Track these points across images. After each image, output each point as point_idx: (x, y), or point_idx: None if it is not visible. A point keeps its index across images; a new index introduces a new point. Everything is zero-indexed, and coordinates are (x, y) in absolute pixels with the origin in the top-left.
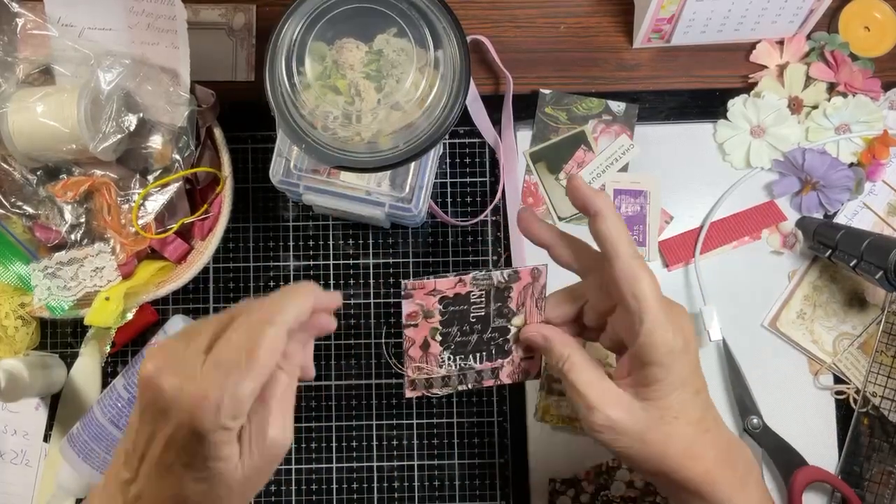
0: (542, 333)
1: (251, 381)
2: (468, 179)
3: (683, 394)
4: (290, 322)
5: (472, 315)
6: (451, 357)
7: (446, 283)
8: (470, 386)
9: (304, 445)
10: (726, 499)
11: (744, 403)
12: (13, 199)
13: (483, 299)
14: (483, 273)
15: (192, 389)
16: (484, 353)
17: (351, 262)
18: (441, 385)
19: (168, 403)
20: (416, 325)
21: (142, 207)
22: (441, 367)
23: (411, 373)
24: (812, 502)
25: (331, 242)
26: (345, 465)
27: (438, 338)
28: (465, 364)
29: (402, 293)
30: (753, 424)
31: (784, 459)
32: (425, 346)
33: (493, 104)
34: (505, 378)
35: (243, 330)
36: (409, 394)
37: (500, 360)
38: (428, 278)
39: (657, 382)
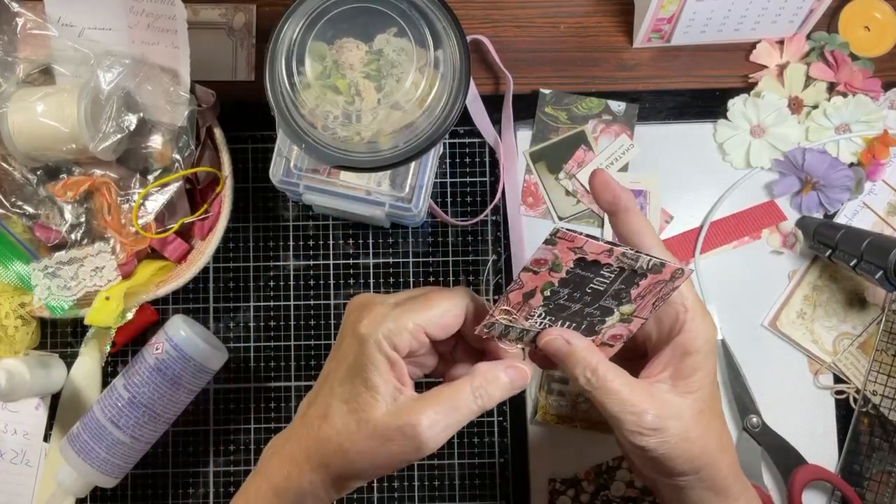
0: (566, 337)
1: (416, 317)
2: (468, 179)
3: (713, 385)
4: (470, 308)
5: (590, 286)
6: (543, 314)
7: (594, 248)
8: (538, 346)
9: None
10: (742, 489)
11: (743, 402)
12: (13, 199)
13: (612, 276)
14: (633, 252)
15: (369, 307)
16: (574, 325)
17: (351, 261)
18: (516, 337)
19: (350, 322)
20: (535, 273)
21: (142, 207)
22: (528, 320)
23: (497, 314)
24: (812, 501)
25: (331, 242)
26: None
27: (547, 293)
28: (550, 326)
29: (547, 237)
30: (753, 423)
31: (783, 458)
32: (529, 295)
33: (493, 104)
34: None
35: (432, 289)
36: (477, 331)
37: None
38: (581, 234)
39: (696, 373)
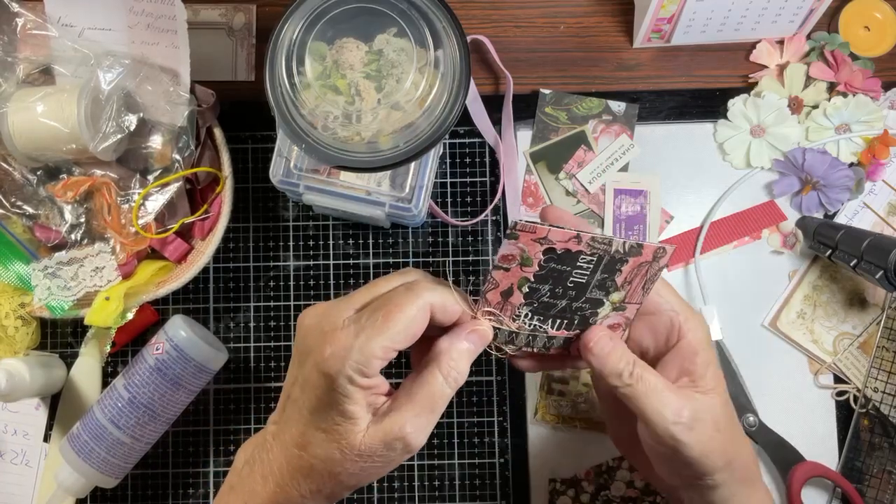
0: (609, 335)
1: (382, 340)
2: (468, 179)
3: (724, 380)
4: (435, 301)
5: (571, 279)
6: (529, 314)
7: (560, 235)
8: (535, 350)
9: None
10: (756, 477)
11: (739, 402)
12: (13, 199)
13: (591, 265)
14: (604, 237)
15: (328, 333)
16: (565, 321)
17: (351, 262)
18: (506, 340)
19: (309, 346)
20: (506, 270)
21: (142, 207)
22: (514, 320)
23: (480, 316)
24: (812, 500)
25: (331, 242)
26: None
27: (525, 290)
28: (541, 327)
29: (507, 231)
30: (750, 422)
31: (781, 456)
32: (507, 293)
33: (493, 104)
34: (575, 352)
35: (390, 296)
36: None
37: (578, 332)
38: (542, 224)
39: (709, 368)
